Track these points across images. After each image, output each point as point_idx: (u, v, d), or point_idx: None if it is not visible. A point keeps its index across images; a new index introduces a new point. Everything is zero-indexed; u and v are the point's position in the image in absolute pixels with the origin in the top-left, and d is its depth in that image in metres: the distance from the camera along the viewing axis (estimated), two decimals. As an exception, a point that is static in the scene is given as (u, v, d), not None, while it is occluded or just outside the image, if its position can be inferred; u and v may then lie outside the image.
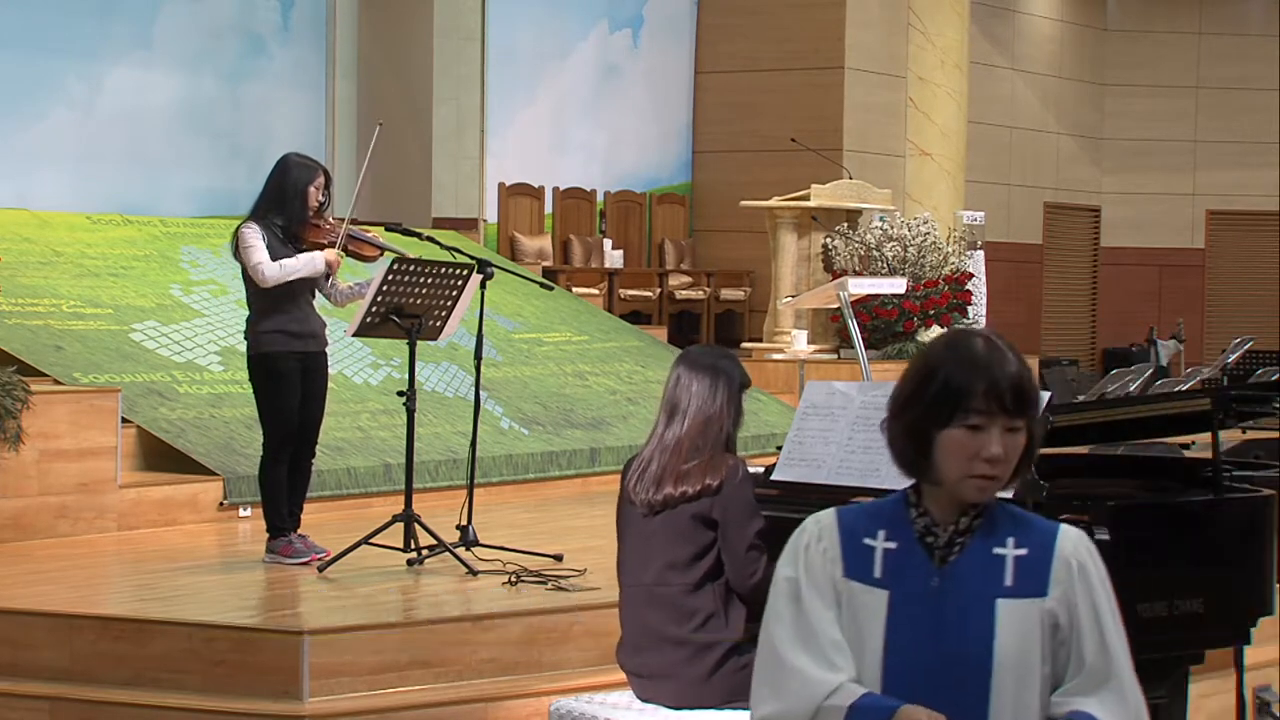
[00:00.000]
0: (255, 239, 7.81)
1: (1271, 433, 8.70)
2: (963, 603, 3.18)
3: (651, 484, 5.22)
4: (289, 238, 7.90)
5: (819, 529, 3.32)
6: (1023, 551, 3.20)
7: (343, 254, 7.97)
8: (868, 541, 3.26)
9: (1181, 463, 6.01)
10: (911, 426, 3.19)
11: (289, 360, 7.89)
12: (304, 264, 7.84)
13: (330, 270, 7.92)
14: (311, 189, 7.94)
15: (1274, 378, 9.61)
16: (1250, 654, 5.82)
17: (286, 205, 7.91)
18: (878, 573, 3.24)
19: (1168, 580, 4.93)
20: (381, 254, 8.03)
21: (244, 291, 8.01)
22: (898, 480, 3.27)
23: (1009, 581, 3.18)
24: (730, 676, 5.10)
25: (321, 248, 7.96)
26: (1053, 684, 3.19)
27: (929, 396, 3.17)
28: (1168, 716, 4.98)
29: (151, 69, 13.79)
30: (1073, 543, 3.22)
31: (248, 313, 7.97)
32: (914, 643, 3.19)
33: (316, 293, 8.04)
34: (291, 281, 7.84)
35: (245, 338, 8.02)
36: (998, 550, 3.21)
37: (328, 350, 8.14)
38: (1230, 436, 7.97)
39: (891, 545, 3.24)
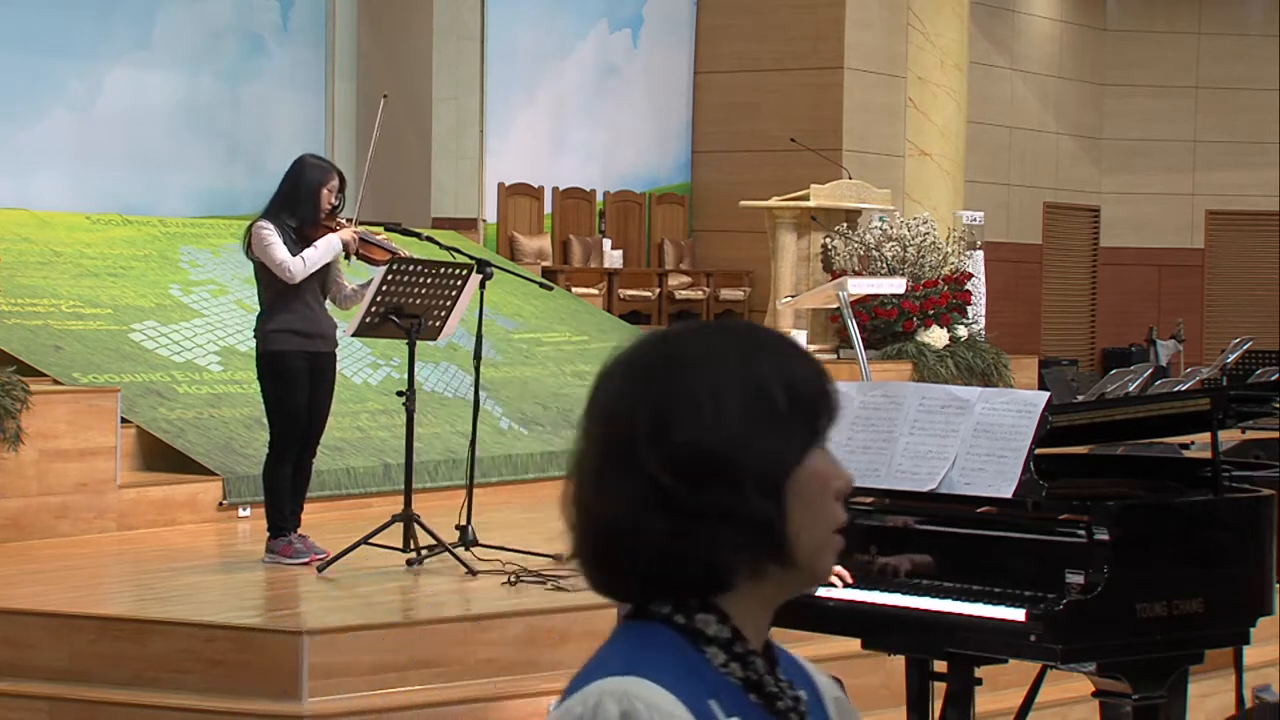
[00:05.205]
0: (273, 236, 7.79)
1: (1271, 433, 8.69)
2: None
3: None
4: (300, 238, 7.90)
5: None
6: (802, 693, 2.01)
7: (356, 235, 7.94)
8: None
9: (1181, 463, 6.01)
10: (764, 470, 1.88)
11: (297, 359, 7.88)
12: (323, 250, 7.83)
13: (349, 249, 7.89)
14: (325, 191, 7.93)
15: (1273, 378, 9.61)
16: (1250, 654, 5.83)
17: (299, 206, 7.91)
18: None
19: (1168, 580, 4.93)
20: (392, 258, 8.02)
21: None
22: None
23: None
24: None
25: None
26: None
27: (782, 410, 1.89)
28: (1167, 716, 4.98)
29: (151, 69, 13.78)
30: (824, 676, 2.11)
31: (259, 310, 7.98)
32: None
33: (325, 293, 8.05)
34: (300, 280, 7.86)
35: (255, 335, 8.02)
36: (792, 694, 2.00)
37: (337, 351, 8.15)
38: (1230, 436, 7.96)
39: None
